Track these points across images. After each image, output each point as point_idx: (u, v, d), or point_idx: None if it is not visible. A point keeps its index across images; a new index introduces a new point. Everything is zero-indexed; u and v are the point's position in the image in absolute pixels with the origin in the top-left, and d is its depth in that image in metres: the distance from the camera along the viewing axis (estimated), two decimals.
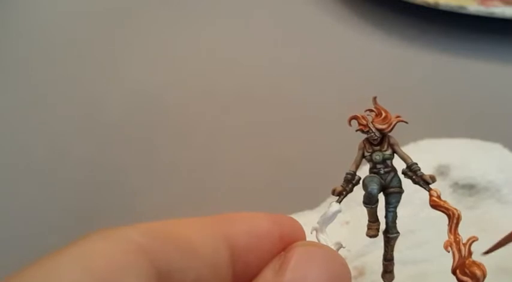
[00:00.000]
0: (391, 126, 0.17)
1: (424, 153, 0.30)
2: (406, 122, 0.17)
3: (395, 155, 0.17)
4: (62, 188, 0.35)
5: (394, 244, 0.17)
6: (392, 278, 0.17)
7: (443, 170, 0.29)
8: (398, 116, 0.17)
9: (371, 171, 0.17)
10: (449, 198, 0.28)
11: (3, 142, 0.39)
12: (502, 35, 0.45)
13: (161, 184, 0.35)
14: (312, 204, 0.30)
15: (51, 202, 0.34)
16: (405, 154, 0.17)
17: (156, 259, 0.13)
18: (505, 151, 0.31)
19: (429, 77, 0.42)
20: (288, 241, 0.16)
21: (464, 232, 0.15)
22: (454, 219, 0.16)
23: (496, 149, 0.31)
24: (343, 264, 0.15)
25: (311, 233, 0.17)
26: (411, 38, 0.46)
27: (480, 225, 0.27)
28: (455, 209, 0.16)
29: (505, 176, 0.29)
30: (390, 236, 0.17)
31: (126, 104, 0.42)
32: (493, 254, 0.24)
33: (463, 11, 0.43)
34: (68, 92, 0.44)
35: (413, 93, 0.40)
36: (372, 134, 0.17)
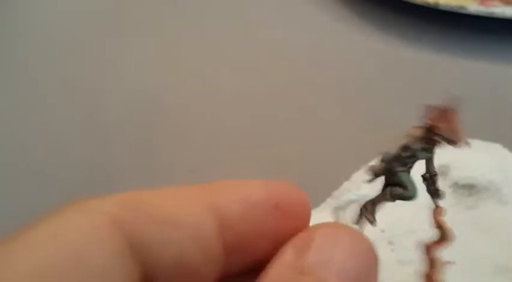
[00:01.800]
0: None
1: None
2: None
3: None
4: (62, 188, 0.35)
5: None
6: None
7: (443, 170, 0.29)
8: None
9: (397, 159, 0.16)
10: (449, 198, 0.28)
11: (3, 142, 0.39)
12: (502, 35, 0.45)
13: (161, 184, 0.35)
14: (312, 204, 0.30)
15: (51, 202, 0.34)
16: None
17: (130, 231, 0.12)
18: (505, 151, 0.31)
19: (429, 77, 0.42)
20: (286, 209, 0.14)
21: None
22: (444, 243, 0.15)
23: (496, 149, 0.31)
24: (370, 249, 0.13)
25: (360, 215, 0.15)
26: (411, 38, 0.46)
27: (480, 225, 0.27)
28: (451, 234, 0.16)
29: (505, 176, 0.29)
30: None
31: (126, 104, 0.42)
32: (493, 253, 0.24)
33: (463, 11, 0.43)
34: (68, 92, 0.44)
35: (413, 93, 0.40)
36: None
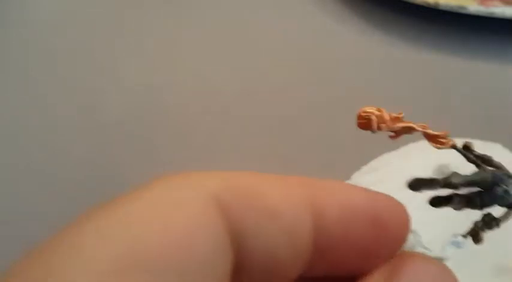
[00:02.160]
0: None
1: (424, 153, 0.30)
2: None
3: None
4: (62, 188, 0.35)
5: None
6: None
7: (443, 170, 0.29)
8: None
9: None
10: None
11: (3, 142, 0.39)
12: (502, 35, 0.45)
13: None
14: None
15: (51, 202, 0.34)
16: None
17: (231, 217, 0.11)
18: (505, 151, 0.31)
19: (429, 77, 0.42)
20: (385, 225, 0.13)
21: (461, 219, 0.15)
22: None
23: (496, 149, 0.31)
24: None
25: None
26: (411, 38, 0.46)
27: None
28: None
29: None
30: None
31: (126, 103, 0.42)
32: (493, 253, 0.24)
33: (463, 11, 0.43)
34: (68, 92, 0.44)
35: (413, 93, 0.40)
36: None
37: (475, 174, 0.14)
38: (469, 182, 0.14)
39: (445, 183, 0.14)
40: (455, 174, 0.14)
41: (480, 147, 0.15)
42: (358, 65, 0.44)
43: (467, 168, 0.15)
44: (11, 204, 0.34)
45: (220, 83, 0.43)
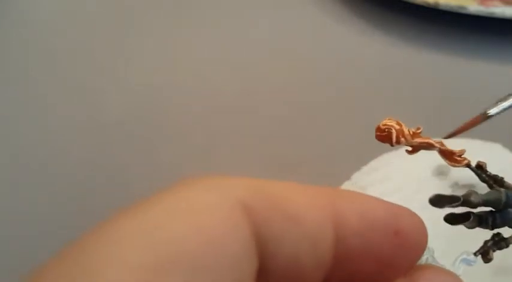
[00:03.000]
0: None
1: (424, 153, 0.30)
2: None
3: None
4: (62, 188, 0.35)
5: None
6: None
7: (443, 170, 0.29)
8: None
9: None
10: None
11: (3, 142, 0.39)
12: (502, 35, 0.45)
13: (161, 184, 0.35)
14: None
15: (51, 202, 0.34)
16: None
17: (256, 221, 0.11)
18: (505, 151, 0.31)
19: (429, 77, 0.42)
20: (405, 239, 0.13)
21: (465, 233, 0.15)
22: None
23: (496, 149, 0.31)
24: None
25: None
26: (411, 38, 0.46)
27: None
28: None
29: (505, 176, 0.29)
30: None
31: (126, 103, 0.42)
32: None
33: (463, 11, 0.43)
34: (68, 92, 0.44)
35: (413, 93, 0.40)
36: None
37: (490, 193, 0.15)
38: (485, 201, 0.14)
39: (464, 200, 0.14)
40: (474, 193, 0.14)
41: (480, 147, 0.15)
42: (358, 65, 0.44)
43: (467, 168, 0.15)
44: (11, 204, 0.34)
45: (220, 83, 0.43)
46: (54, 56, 0.48)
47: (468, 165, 0.15)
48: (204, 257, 0.10)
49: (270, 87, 0.42)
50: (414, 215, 0.13)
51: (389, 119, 0.14)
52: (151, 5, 0.54)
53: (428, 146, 0.15)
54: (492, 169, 0.30)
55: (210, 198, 0.11)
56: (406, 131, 0.14)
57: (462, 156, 0.15)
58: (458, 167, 0.15)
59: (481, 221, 0.15)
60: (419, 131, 0.15)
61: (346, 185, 0.30)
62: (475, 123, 0.14)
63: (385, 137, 0.14)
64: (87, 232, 0.11)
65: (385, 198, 0.14)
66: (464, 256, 0.14)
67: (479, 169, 0.15)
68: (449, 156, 0.15)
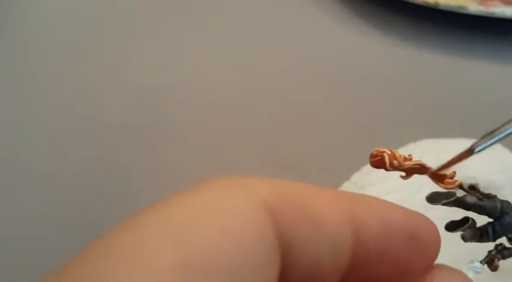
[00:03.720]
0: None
1: (423, 153, 0.30)
2: None
3: None
4: (62, 188, 0.35)
5: None
6: None
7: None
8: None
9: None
10: None
11: (3, 142, 0.39)
12: (502, 35, 0.45)
13: (161, 184, 0.35)
14: None
15: (51, 202, 0.34)
16: None
17: (280, 223, 0.11)
18: (505, 151, 0.31)
19: (429, 77, 0.42)
20: (421, 243, 0.13)
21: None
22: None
23: (496, 149, 0.31)
24: None
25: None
26: (411, 38, 0.46)
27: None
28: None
29: (505, 176, 0.29)
30: None
31: (126, 104, 0.42)
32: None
33: (463, 11, 0.43)
34: (68, 92, 0.44)
35: (413, 93, 0.40)
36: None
37: (487, 201, 0.15)
38: (480, 205, 0.15)
39: (460, 200, 0.15)
40: (469, 195, 0.15)
41: None
42: (358, 65, 0.44)
43: (468, 169, 0.15)
44: (11, 204, 0.34)
45: (220, 83, 0.43)
46: (54, 56, 0.48)
47: (461, 187, 0.16)
48: (231, 258, 0.11)
49: (270, 87, 0.42)
50: (428, 220, 0.14)
51: (381, 148, 0.15)
52: (151, 5, 0.54)
53: (421, 169, 0.15)
54: (492, 169, 0.30)
55: (235, 200, 0.11)
56: (397, 154, 0.15)
57: (453, 178, 0.15)
58: (451, 188, 0.15)
59: (482, 234, 0.15)
60: (410, 157, 0.15)
61: (346, 185, 0.30)
62: (461, 159, 0.15)
63: (379, 162, 0.15)
64: (112, 231, 0.11)
65: (385, 198, 0.14)
66: (472, 264, 0.15)
67: (472, 189, 0.16)
68: (441, 178, 0.15)
